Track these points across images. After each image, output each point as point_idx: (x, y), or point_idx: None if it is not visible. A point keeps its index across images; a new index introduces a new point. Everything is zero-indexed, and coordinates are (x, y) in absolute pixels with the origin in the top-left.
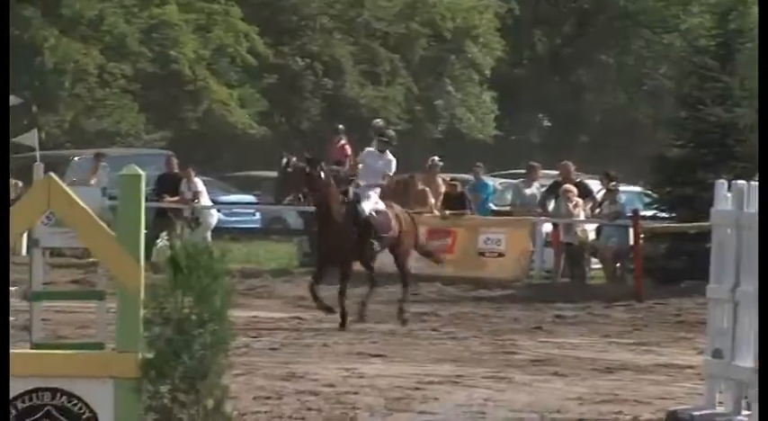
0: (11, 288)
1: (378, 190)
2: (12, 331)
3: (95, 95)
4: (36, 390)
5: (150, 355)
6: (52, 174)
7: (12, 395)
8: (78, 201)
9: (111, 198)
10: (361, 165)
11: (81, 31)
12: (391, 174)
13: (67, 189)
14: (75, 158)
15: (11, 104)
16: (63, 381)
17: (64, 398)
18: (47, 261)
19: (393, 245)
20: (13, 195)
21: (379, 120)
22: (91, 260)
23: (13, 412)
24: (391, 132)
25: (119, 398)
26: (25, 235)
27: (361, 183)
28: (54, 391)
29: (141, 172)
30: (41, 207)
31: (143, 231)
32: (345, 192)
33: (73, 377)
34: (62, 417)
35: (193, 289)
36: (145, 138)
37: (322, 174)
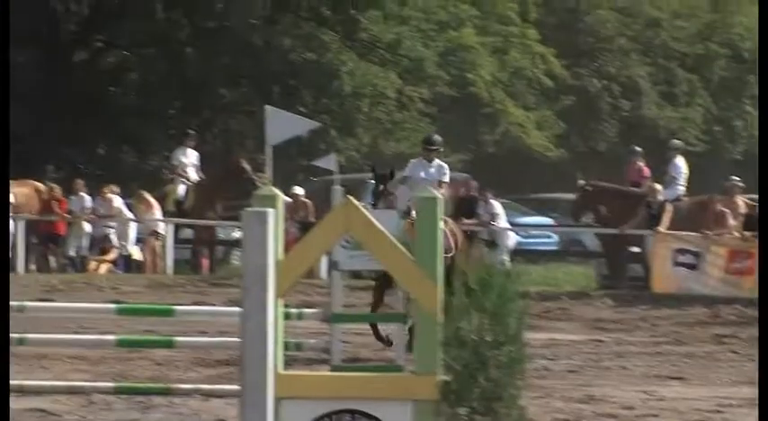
0: (311, 309)
1: None
2: (312, 353)
3: (393, 118)
4: (336, 413)
5: (448, 378)
6: (350, 197)
7: (312, 417)
8: (376, 223)
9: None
10: (402, 184)
11: (379, 55)
12: (446, 180)
13: (365, 212)
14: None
15: (309, 129)
16: (363, 403)
17: (363, 419)
18: (346, 283)
19: (448, 267)
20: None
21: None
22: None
23: None
24: (438, 138)
25: (417, 420)
26: (325, 258)
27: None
28: (353, 413)
29: (438, 194)
30: (340, 230)
31: (441, 254)
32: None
33: (372, 399)
34: None
35: (487, 310)
36: None
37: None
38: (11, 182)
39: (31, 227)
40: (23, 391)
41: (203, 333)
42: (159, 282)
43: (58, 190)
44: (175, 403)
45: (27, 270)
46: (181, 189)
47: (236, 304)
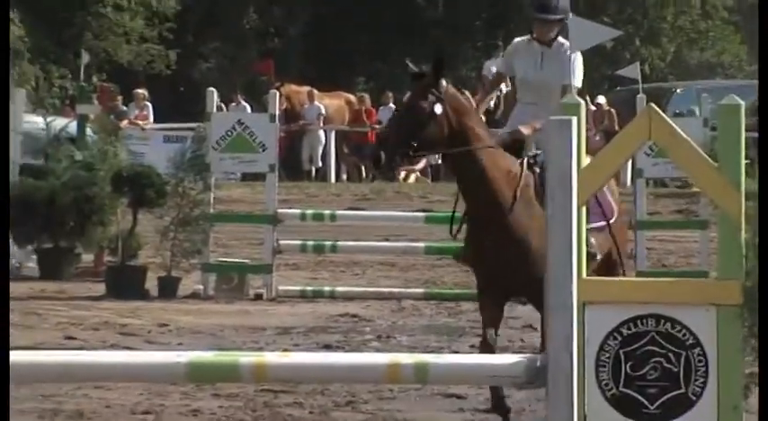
0: None
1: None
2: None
3: (698, 27)
4: (640, 317)
5: (749, 284)
6: (653, 105)
7: (616, 322)
8: (680, 131)
9: (713, 129)
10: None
11: None
12: (578, 83)
13: (669, 120)
14: (677, 90)
15: (612, 37)
16: (666, 308)
17: (668, 324)
18: (650, 191)
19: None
20: None
21: None
22: (693, 190)
23: (618, 338)
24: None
25: (720, 325)
26: (629, 166)
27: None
28: (658, 318)
29: (741, 102)
30: (643, 137)
31: (743, 161)
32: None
33: (676, 304)
34: (666, 343)
35: None
36: (746, 70)
37: None
38: (323, 94)
39: (341, 137)
40: (335, 297)
41: None
42: None
43: (367, 100)
44: None
45: (338, 179)
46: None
47: None
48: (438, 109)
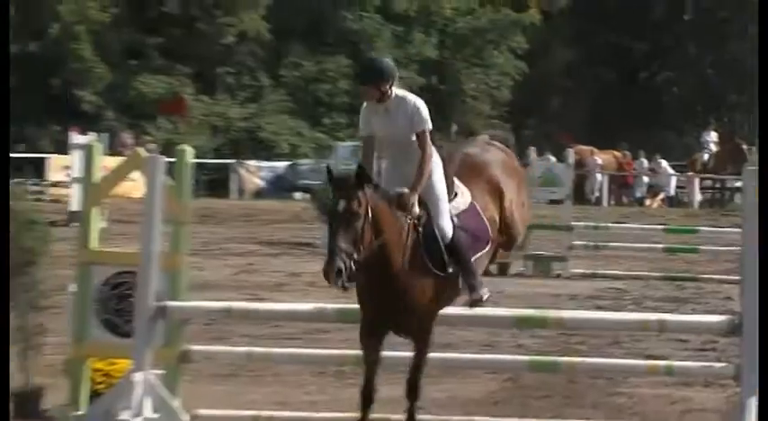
0: None
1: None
2: None
3: None
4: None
5: None
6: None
7: None
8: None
9: None
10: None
11: None
12: (429, 125)
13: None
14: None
15: None
16: None
17: None
18: None
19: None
20: None
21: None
22: None
23: None
24: (382, 62)
25: None
26: None
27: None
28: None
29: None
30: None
31: None
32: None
33: None
34: None
35: None
36: None
37: None
38: (598, 151)
39: (610, 178)
40: (606, 277)
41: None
42: (690, 213)
43: (628, 155)
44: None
45: (609, 204)
46: (704, 156)
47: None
48: (368, 211)
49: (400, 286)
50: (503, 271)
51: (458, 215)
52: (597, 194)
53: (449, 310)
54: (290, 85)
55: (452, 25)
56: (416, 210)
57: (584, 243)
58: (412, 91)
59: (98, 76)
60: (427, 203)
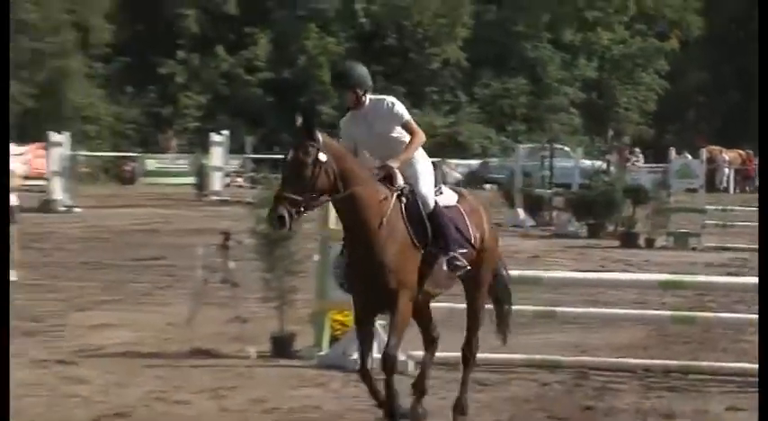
0: None
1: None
2: None
3: None
4: None
5: None
6: None
7: None
8: None
9: None
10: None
11: None
12: (407, 116)
13: None
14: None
15: None
16: None
17: None
18: None
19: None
20: None
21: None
22: None
23: None
24: (356, 69)
25: None
26: None
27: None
28: None
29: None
30: None
31: None
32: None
33: None
34: None
35: None
36: None
37: None
38: (726, 149)
39: (735, 172)
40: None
41: None
42: None
43: (751, 154)
44: None
45: (734, 192)
46: None
47: None
48: (323, 157)
49: (378, 249)
50: (650, 244)
51: (443, 206)
52: (725, 184)
53: (604, 275)
54: (481, 100)
55: (609, 52)
56: (400, 180)
57: (715, 222)
58: (574, 105)
59: (334, 95)
60: (410, 177)
